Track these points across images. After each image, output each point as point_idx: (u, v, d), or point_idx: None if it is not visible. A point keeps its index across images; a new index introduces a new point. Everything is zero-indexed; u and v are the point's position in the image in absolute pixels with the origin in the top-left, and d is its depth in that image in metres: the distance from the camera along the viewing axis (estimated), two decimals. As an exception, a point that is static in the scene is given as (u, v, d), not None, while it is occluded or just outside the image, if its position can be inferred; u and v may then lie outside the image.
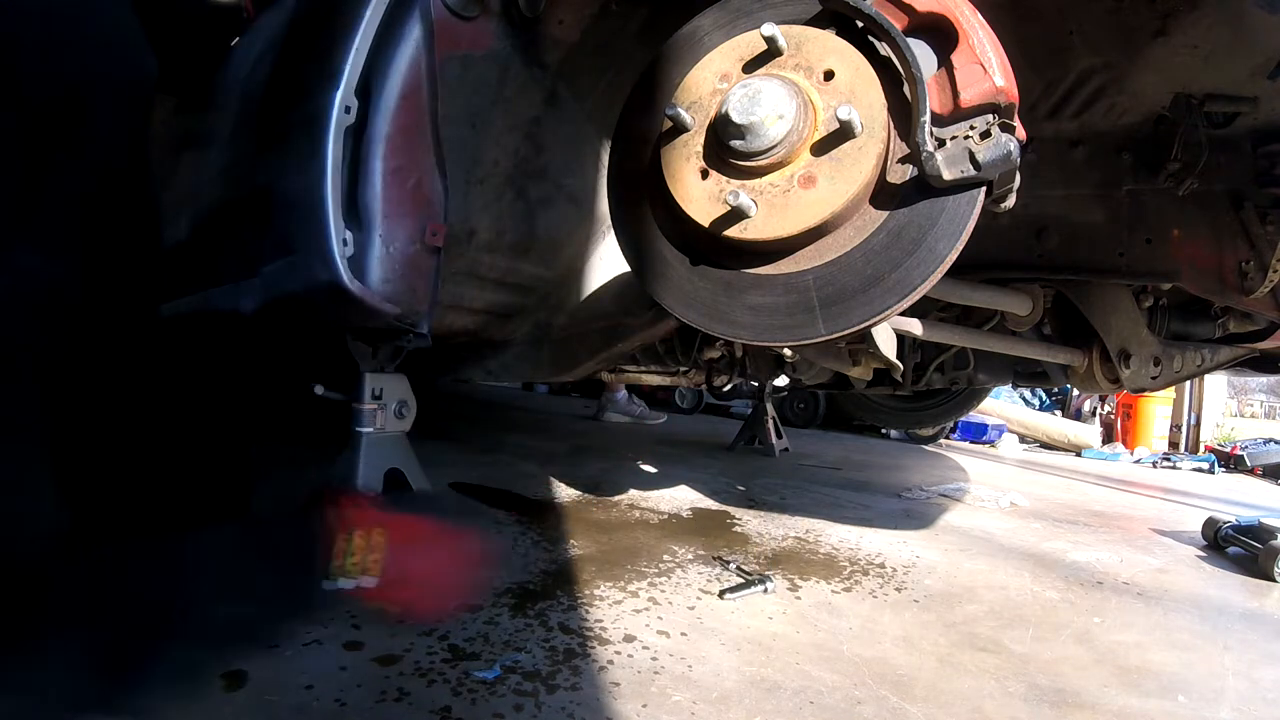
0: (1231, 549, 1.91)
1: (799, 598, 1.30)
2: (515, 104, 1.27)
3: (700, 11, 0.87)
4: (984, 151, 0.66)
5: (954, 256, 0.69)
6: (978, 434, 4.62)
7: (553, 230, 1.44)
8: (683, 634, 1.09)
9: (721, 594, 1.23)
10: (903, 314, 0.89)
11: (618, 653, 1.01)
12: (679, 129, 0.80)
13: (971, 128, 0.68)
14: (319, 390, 1.27)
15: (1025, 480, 3.18)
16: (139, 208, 0.97)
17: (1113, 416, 5.42)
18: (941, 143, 0.68)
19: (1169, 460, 4.45)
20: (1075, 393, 5.46)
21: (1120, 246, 1.20)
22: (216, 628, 0.92)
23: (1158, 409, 5.18)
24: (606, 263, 1.57)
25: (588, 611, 1.15)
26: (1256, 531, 1.84)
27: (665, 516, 1.85)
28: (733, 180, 0.76)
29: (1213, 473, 4.26)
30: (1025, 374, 1.79)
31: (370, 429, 1.25)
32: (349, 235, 1.06)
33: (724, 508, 2.02)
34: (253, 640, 0.93)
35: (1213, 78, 1.02)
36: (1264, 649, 1.24)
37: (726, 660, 1.01)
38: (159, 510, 0.81)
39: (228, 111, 1.40)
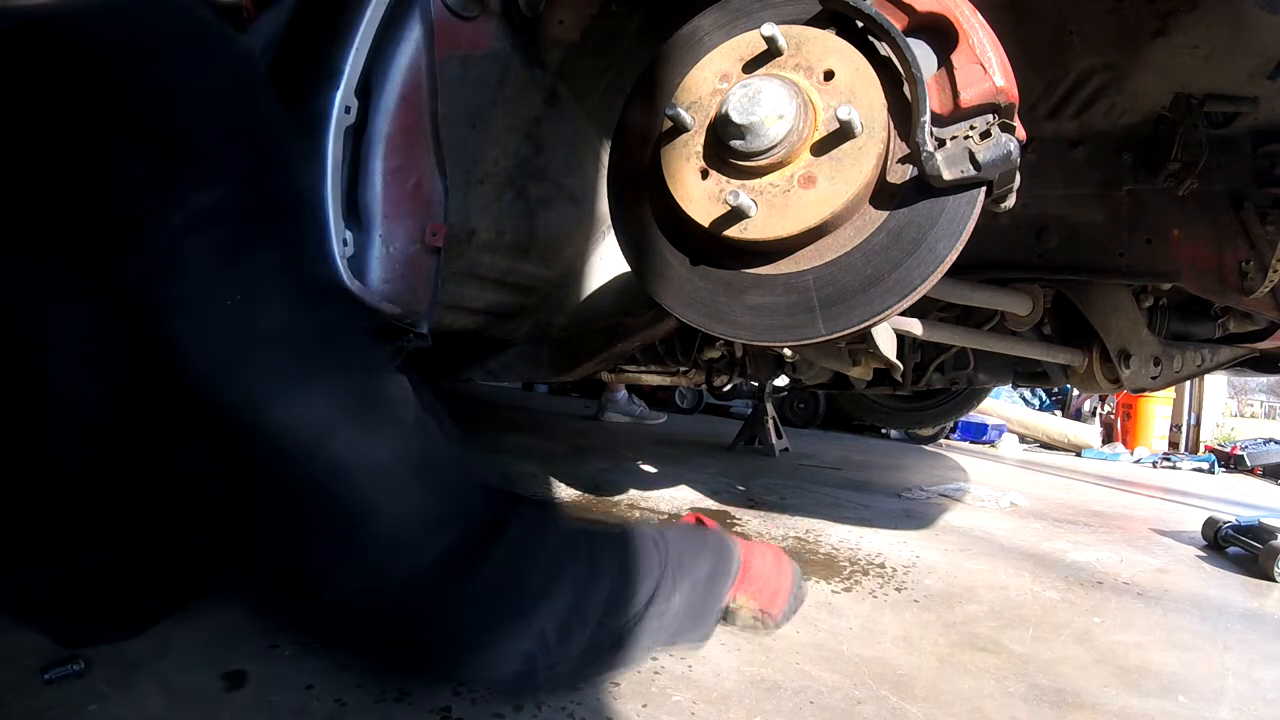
0: (1231, 549, 1.91)
1: (799, 598, 1.30)
2: (515, 104, 1.27)
3: (700, 11, 0.87)
4: (984, 151, 0.66)
5: (954, 256, 0.69)
6: (978, 434, 4.62)
7: (553, 230, 1.44)
8: (683, 634, 1.09)
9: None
10: (903, 314, 0.89)
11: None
12: (679, 129, 0.80)
13: (971, 128, 0.67)
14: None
15: (1025, 480, 3.18)
16: None
17: (1113, 416, 5.42)
18: (941, 143, 0.68)
19: (1169, 460, 4.45)
20: (1075, 393, 5.45)
21: (1120, 246, 1.20)
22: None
23: (1158, 409, 5.18)
24: (606, 263, 1.57)
25: (588, 611, 1.15)
26: (1256, 531, 1.84)
27: (665, 516, 1.85)
28: (733, 180, 0.76)
29: (1213, 473, 4.26)
30: (1025, 374, 1.79)
31: (370, 429, 1.25)
32: (349, 235, 1.05)
33: (724, 508, 2.02)
34: (252, 639, 0.93)
35: (1213, 78, 1.02)
36: (1264, 649, 1.24)
37: (726, 660, 1.01)
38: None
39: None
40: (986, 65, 0.67)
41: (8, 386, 0.58)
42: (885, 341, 1.26)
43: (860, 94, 0.71)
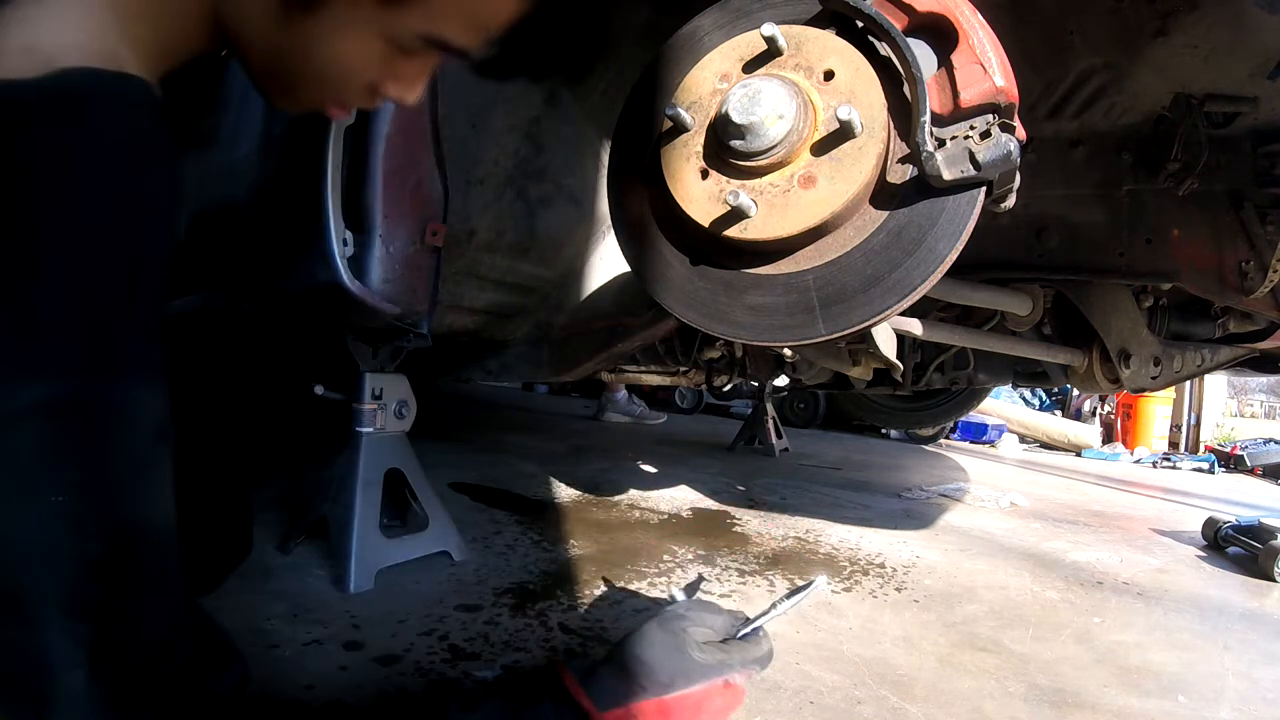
0: (1231, 549, 1.91)
1: (799, 598, 1.30)
2: (515, 104, 1.27)
3: (700, 11, 0.87)
4: (984, 151, 0.66)
5: (954, 256, 0.69)
6: (978, 434, 4.62)
7: (553, 230, 1.44)
8: (683, 634, 1.09)
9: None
10: (903, 314, 0.89)
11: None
12: (679, 129, 0.80)
13: (971, 128, 0.67)
14: (319, 390, 1.27)
15: (1025, 480, 3.18)
16: None
17: (1113, 416, 5.42)
18: (941, 143, 0.68)
19: (1169, 460, 4.45)
20: (1075, 393, 5.46)
21: (1120, 246, 1.20)
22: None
23: (1158, 409, 5.19)
24: (606, 263, 1.57)
25: (588, 611, 1.15)
26: (1256, 531, 1.84)
27: (665, 516, 1.85)
28: (733, 180, 0.76)
29: (1213, 473, 4.27)
30: (1025, 374, 1.79)
31: (370, 429, 1.25)
32: (349, 235, 1.06)
33: (724, 508, 2.02)
34: (253, 640, 0.93)
35: (1213, 78, 1.02)
36: (1264, 649, 1.24)
37: (726, 660, 1.00)
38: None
39: (228, 111, 1.40)
40: (986, 65, 0.67)
41: None
42: (885, 341, 1.26)
43: (860, 94, 0.71)
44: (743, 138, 0.72)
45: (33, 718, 0.43)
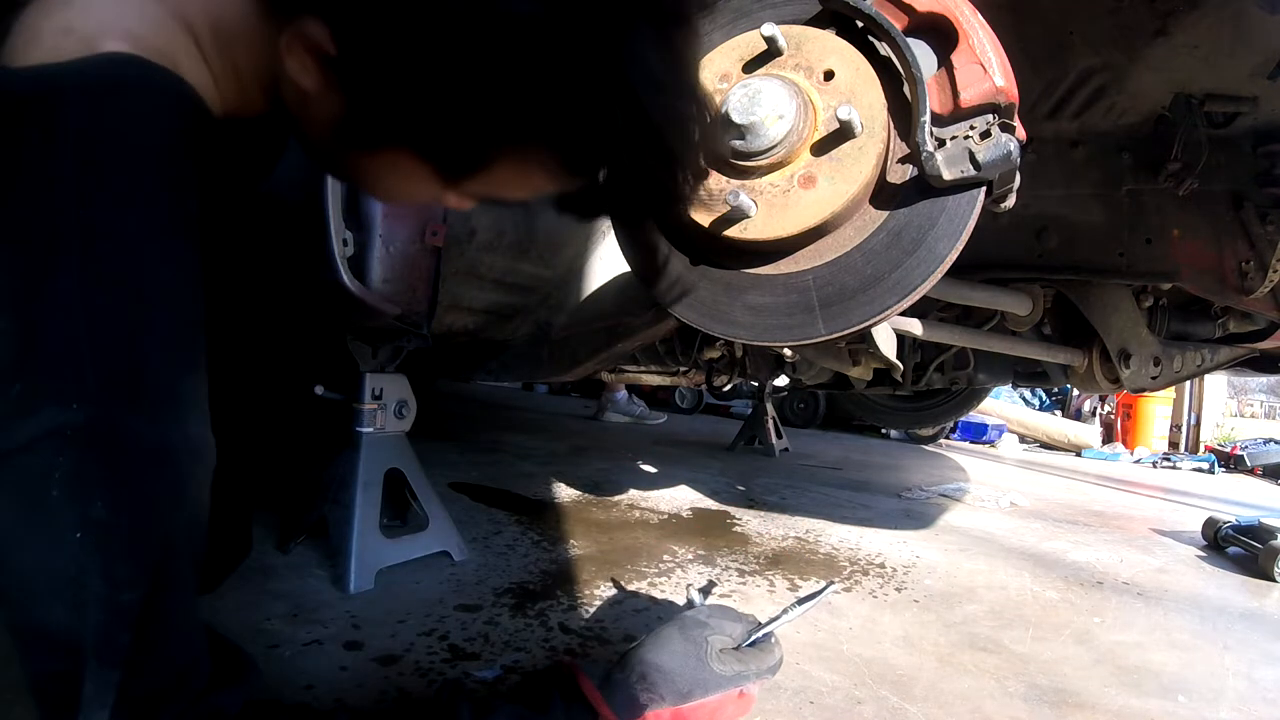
0: (1231, 549, 1.91)
1: (799, 598, 1.30)
2: (516, 104, 1.27)
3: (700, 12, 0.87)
4: (984, 151, 0.66)
5: (954, 256, 0.69)
6: (978, 434, 4.62)
7: (553, 230, 1.44)
8: (683, 634, 1.09)
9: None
10: (903, 314, 0.89)
11: (618, 653, 1.01)
12: (679, 129, 0.80)
13: (971, 128, 0.67)
14: (319, 390, 1.28)
15: (1025, 480, 3.18)
16: None
17: (1113, 416, 5.42)
18: (941, 143, 0.68)
19: (1169, 460, 4.45)
20: (1075, 393, 5.46)
21: (1120, 246, 1.20)
22: None
23: (1158, 409, 5.19)
24: (606, 263, 1.57)
25: (588, 611, 1.15)
26: (1256, 531, 1.84)
27: (665, 516, 1.85)
28: (733, 180, 0.76)
29: (1213, 473, 4.27)
30: (1025, 374, 1.79)
31: (370, 429, 1.25)
32: (349, 235, 1.06)
33: (724, 508, 2.02)
34: (253, 640, 0.93)
35: (1213, 78, 1.02)
36: (1264, 649, 1.24)
37: (726, 660, 1.01)
38: None
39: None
40: (986, 65, 0.66)
41: None
42: (885, 341, 1.26)
43: (860, 94, 0.71)
44: (743, 138, 0.72)
45: None
